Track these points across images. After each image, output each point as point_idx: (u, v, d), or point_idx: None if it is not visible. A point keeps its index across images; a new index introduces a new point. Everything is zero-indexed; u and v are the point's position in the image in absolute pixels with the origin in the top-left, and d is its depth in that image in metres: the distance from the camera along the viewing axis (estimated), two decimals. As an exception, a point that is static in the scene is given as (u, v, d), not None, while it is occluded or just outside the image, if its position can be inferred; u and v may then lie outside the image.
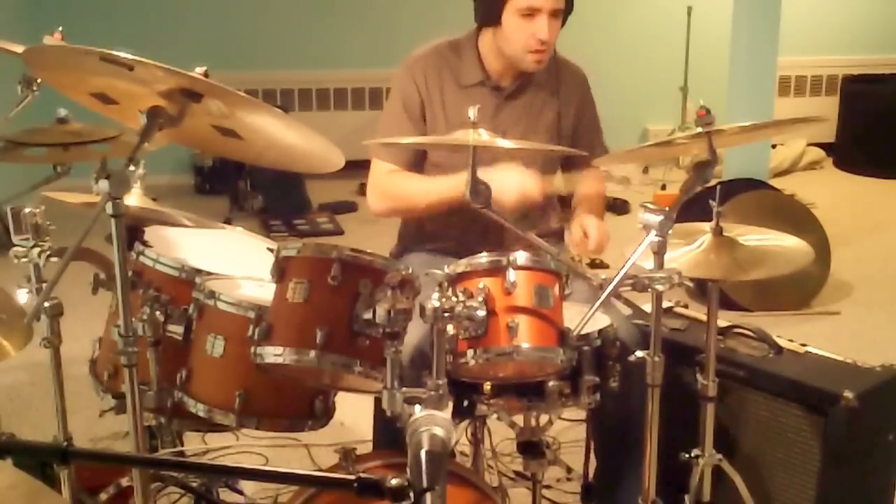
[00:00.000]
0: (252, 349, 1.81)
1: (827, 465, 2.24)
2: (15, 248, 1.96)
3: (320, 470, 2.59)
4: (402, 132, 2.43)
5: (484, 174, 1.89)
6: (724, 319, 2.41)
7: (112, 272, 1.77)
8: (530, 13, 2.31)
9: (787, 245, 2.23)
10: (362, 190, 5.58)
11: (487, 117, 2.40)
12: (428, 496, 1.04)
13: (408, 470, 1.10)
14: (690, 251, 2.14)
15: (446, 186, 2.27)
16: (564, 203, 2.67)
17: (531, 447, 2.11)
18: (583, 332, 1.91)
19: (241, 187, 5.42)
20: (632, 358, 1.99)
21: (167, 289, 1.97)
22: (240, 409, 1.89)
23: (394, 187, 2.44)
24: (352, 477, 1.08)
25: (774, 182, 5.14)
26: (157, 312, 1.91)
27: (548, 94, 2.49)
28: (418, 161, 2.46)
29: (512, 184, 2.20)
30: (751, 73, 4.83)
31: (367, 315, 1.71)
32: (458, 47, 2.48)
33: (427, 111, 2.44)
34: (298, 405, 1.96)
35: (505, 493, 2.36)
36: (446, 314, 1.64)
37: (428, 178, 2.41)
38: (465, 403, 2.04)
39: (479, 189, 1.88)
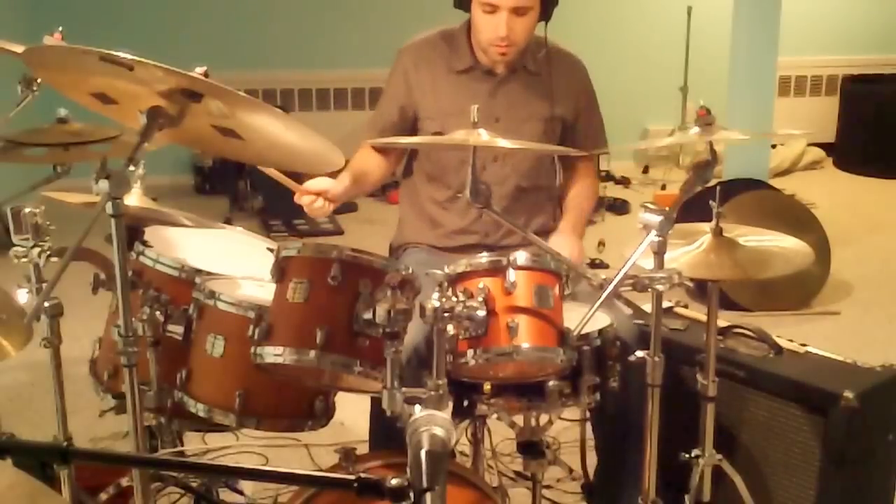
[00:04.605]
0: (252, 349, 1.81)
1: (827, 466, 2.24)
2: (15, 248, 1.96)
3: (320, 470, 2.59)
4: (382, 115, 2.58)
5: None
6: (724, 319, 2.41)
7: (112, 272, 1.77)
8: (491, 10, 2.34)
9: (786, 245, 2.22)
10: (362, 190, 5.60)
11: (481, 102, 2.42)
12: (428, 496, 1.04)
13: (408, 470, 1.09)
14: (690, 251, 2.14)
15: None
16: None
17: (531, 447, 2.11)
18: (583, 332, 1.92)
19: (241, 187, 5.41)
20: (632, 358, 1.99)
21: (167, 289, 1.97)
22: (240, 408, 1.89)
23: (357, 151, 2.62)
24: (352, 477, 1.08)
25: (774, 182, 5.13)
26: (157, 312, 1.92)
27: (542, 82, 2.50)
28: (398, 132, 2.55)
29: None
30: (751, 73, 4.82)
31: (367, 315, 1.71)
32: (451, 35, 2.53)
33: (418, 98, 2.51)
34: (298, 405, 1.96)
35: (505, 493, 2.36)
36: (446, 314, 1.64)
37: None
38: (465, 403, 2.04)
39: (479, 189, 1.88)
